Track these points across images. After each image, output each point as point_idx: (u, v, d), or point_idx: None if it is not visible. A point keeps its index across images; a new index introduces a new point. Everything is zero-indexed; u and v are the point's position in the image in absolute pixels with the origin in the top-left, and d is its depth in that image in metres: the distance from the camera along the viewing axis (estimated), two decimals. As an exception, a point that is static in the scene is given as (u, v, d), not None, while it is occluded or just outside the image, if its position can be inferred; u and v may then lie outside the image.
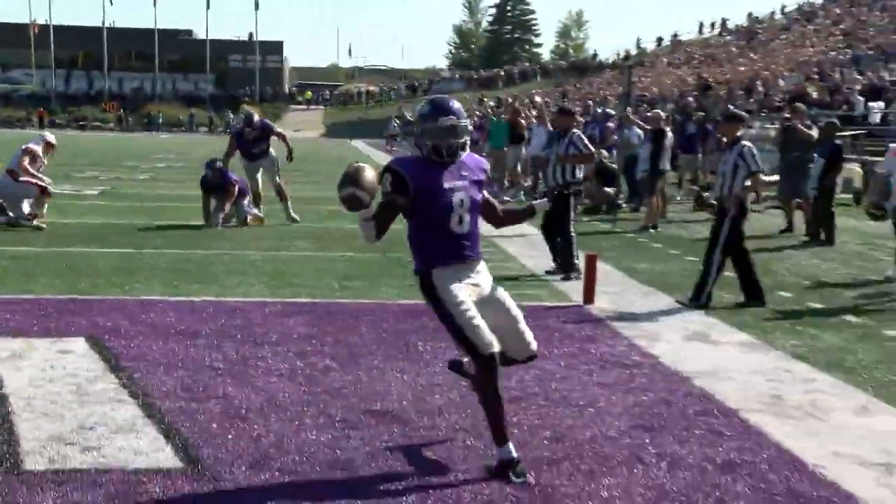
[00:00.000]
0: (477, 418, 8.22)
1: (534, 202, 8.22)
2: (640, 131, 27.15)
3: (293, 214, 22.97)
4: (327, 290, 14.46)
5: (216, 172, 22.11)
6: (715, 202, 14.34)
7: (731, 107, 27.69)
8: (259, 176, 23.09)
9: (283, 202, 23.07)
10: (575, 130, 16.86)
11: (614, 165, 29.19)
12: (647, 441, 8.06)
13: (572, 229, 16.02)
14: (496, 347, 7.16)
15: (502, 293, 7.66)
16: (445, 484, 7.04)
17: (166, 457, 7.43)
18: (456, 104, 7.53)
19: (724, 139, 14.47)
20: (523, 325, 7.56)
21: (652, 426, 8.45)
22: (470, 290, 7.37)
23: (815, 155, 21.69)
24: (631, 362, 10.68)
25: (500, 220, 8.04)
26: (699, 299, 13.80)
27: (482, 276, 7.59)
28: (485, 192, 7.54)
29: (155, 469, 7.14)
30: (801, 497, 6.96)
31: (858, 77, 45.70)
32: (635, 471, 7.38)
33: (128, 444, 7.63)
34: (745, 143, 13.63)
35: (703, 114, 34.97)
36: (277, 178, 23.07)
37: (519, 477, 7.02)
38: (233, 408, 8.63)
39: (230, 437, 7.88)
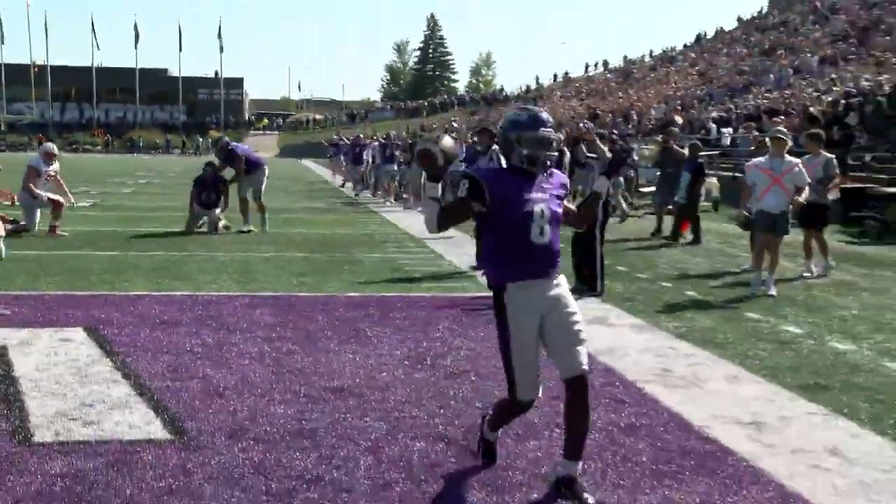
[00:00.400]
0: (420, 392, 8.06)
1: (594, 187, 7.21)
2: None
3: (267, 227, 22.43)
4: (287, 286, 14.24)
5: (211, 170, 22.16)
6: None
7: (616, 131, 27.81)
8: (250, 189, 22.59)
9: (262, 214, 22.45)
10: (495, 147, 16.29)
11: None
12: (563, 408, 7.83)
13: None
14: (535, 395, 6.29)
15: (572, 308, 6.21)
16: (396, 446, 6.87)
17: (156, 429, 7.23)
18: (550, 118, 6.39)
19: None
20: (580, 347, 6.13)
21: (566, 396, 8.21)
22: (538, 308, 6.09)
23: (682, 170, 21.98)
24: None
25: (580, 218, 6.71)
26: (596, 289, 13.68)
27: (560, 288, 6.22)
28: (565, 202, 6.32)
29: (147, 440, 6.95)
30: (691, 453, 6.88)
31: (711, 108, 47.90)
32: (554, 434, 7.22)
33: (123, 419, 7.43)
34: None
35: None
36: (262, 194, 22.69)
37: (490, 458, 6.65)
38: (211, 386, 8.42)
39: (210, 411, 7.68)
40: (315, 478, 6.23)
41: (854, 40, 52.97)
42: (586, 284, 13.84)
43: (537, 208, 5.98)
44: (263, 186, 22.69)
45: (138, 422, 7.37)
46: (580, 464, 6.07)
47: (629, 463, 6.67)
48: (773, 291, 13.83)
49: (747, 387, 8.82)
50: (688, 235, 21.87)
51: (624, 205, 27.33)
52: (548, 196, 6.10)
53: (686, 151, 22.91)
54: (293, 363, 9.32)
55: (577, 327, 6.13)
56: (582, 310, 11.15)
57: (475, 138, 20.84)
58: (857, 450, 7.02)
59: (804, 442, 7.16)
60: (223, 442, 6.93)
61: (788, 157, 14.11)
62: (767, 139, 15.57)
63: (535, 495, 6.05)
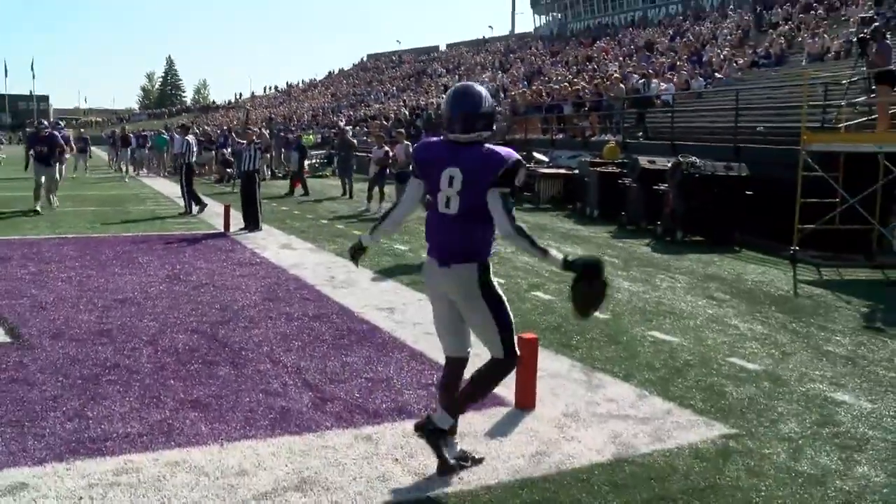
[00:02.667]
0: (178, 300, 7.13)
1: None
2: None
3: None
4: (84, 230, 12.51)
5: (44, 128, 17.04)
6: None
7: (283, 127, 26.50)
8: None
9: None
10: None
11: (231, 158, 27.52)
12: (272, 306, 7.27)
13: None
14: None
15: None
16: (167, 339, 6.03)
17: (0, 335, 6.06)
18: None
19: None
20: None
21: (274, 297, 7.64)
22: None
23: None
24: (254, 262, 9.76)
25: None
26: (258, 226, 12.72)
27: None
28: None
29: (-10, 345, 5.79)
30: (354, 331, 6.44)
31: (341, 115, 45.59)
32: (269, 323, 6.60)
33: (-30, 330, 6.20)
34: None
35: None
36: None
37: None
38: (37, 302, 7.19)
39: (38, 320, 6.53)
40: (113, 364, 5.37)
41: (413, 78, 53.82)
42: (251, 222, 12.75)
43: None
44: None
45: (-18, 331, 6.18)
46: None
47: (318, 340, 6.16)
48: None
49: (382, 284, 8.44)
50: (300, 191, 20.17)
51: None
52: None
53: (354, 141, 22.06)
54: (91, 283, 8.13)
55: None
56: (274, 238, 10.45)
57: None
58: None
59: (419, 318, 6.86)
60: (48, 342, 5.88)
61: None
62: None
63: (262, 367, 5.43)
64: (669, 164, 12.73)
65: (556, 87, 27.03)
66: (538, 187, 17.83)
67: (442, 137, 3.76)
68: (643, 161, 13.81)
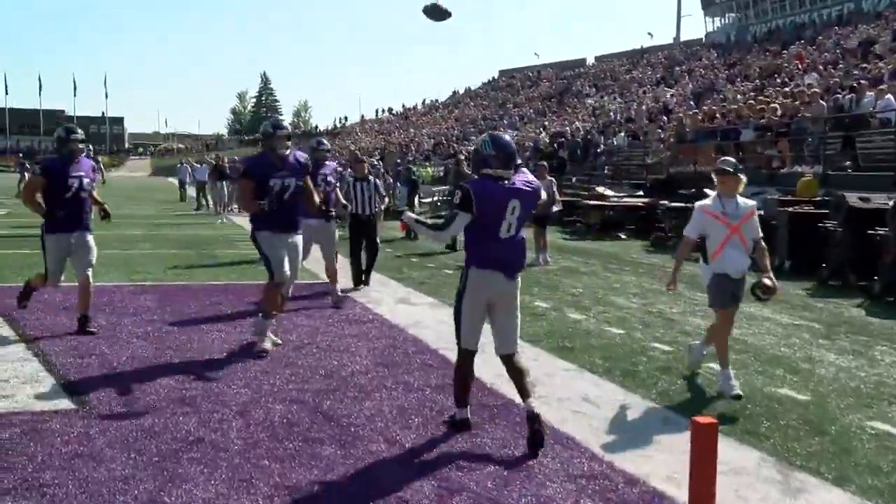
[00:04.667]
0: (274, 362, 7.26)
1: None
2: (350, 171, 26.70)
3: None
4: (165, 277, 13.04)
5: None
6: None
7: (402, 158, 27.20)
8: None
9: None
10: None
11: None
12: (388, 373, 7.30)
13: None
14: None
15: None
16: (260, 409, 6.11)
17: (62, 401, 6.29)
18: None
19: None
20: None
21: (389, 362, 7.68)
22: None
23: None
24: (366, 319, 9.87)
25: None
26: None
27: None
28: None
29: (54, 410, 6.02)
30: (486, 406, 6.39)
31: (466, 142, 46.90)
32: (383, 394, 6.61)
33: (33, 392, 6.49)
34: None
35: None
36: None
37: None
38: (107, 363, 7.46)
39: (108, 384, 6.74)
40: (196, 439, 5.46)
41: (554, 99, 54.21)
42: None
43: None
44: None
45: (47, 394, 6.44)
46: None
47: (442, 416, 6.09)
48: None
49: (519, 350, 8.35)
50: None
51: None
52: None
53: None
54: (172, 341, 8.40)
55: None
56: (390, 292, 10.57)
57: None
58: (600, 396, 6.72)
59: (565, 392, 6.78)
60: (119, 410, 6.06)
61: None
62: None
63: (375, 447, 5.41)
64: (891, 203, 12.15)
65: (734, 106, 26.46)
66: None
67: (480, 175, 5.53)
68: (852, 198, 13.30)
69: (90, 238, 8.80)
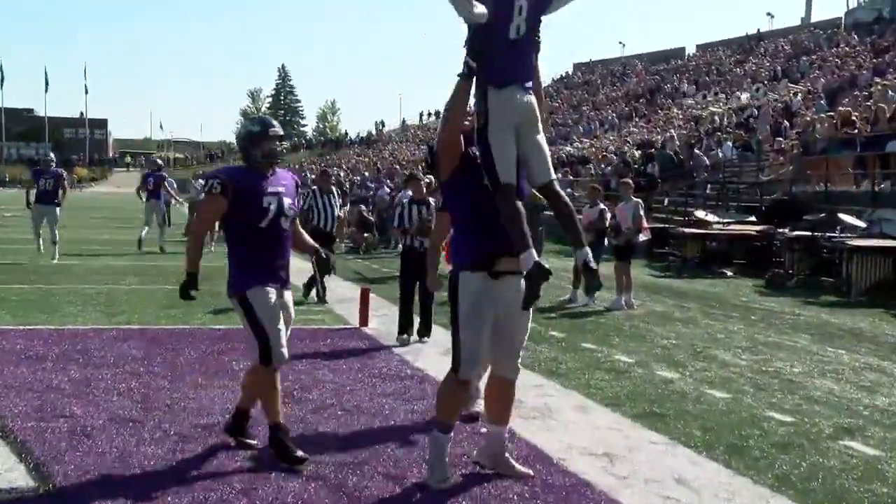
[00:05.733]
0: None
1: None
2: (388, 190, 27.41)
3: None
4: (154, 319, 13.17)
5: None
6: None
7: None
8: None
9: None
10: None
11: (372, 217, 29.78)
12: (427, 443, 7.23)
13: None
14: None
15: None
16: (269, 486, 6.12)
17: (19, 476, 6.28)
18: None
19: None
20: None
21: (430, 430, 7.60)
22: None
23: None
24: (404, 374, 9.92)
25: None
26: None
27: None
28: None
29: (7, 489, 6.01)
30: (552, 487, 6.34)
31: None
32: (423, 472, 6.57)
33: (-16, 464, 6.55)
34: None
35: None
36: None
37: None
38: (79, 426, 7.49)
39: (78, 454, 6.77)
40: (192, 525, 5.49)
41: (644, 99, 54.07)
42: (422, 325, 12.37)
43: None
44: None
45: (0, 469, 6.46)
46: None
47: (496, 498, 6.09)
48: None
49: (594, 416, 8.37)
50: None
51: None
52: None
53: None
54: (162, 399, 8.45)
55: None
56: (436, 342, 10.64)
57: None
58: (698, 478, 6.66)
59: (653, 472, 6.74)
60: (91, 489, 6.06)
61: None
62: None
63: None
64: None
65: (882, 106, 26.07)
66: (848, 269, 17.24)
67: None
68: None
69: (290, 297, 7.15)
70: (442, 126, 6.46)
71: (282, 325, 6.77)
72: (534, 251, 5.78)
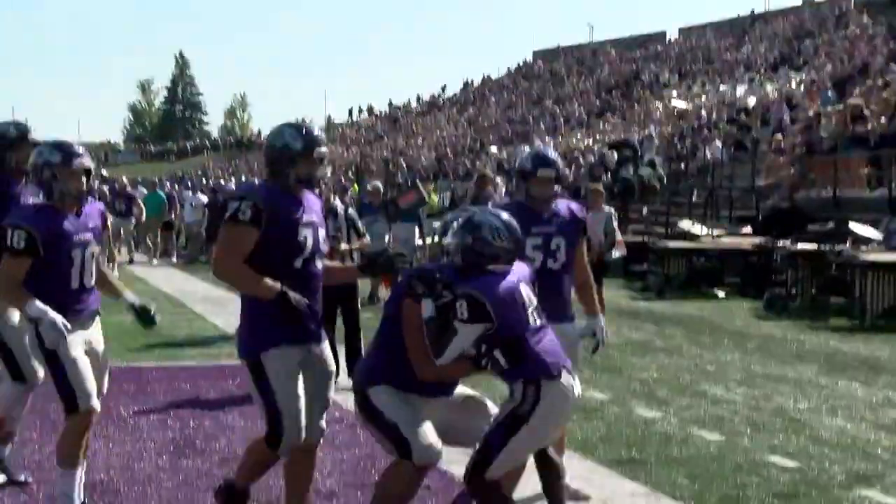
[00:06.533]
0: (192, 485, 7.18)
1: None
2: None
3: None
4: (130, 354, 13.13)
5: None
6: None
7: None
8: None
9: None
10: None
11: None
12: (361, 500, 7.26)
13: None
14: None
15: None
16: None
17: None
18: None
19: None
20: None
21: (362, 483, 7.64)
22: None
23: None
24: (329, 417, 9.69)
25: None
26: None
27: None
28: None
29: None
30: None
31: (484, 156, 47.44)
32: None
33: None
34: None
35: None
36: None
37: None
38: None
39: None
40: None
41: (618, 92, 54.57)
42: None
43: None
44: None
45: None
46: None
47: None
48: None
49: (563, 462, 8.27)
50: None
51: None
52: None
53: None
54: (30, 454, 8.31)
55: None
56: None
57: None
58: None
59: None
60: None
61: None
62: None
63: None
64: None
65: (897, 97, 26.33)
66: (861, 288, 17.36)
67: None
68: None
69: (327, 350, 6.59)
70: None
71: (302, 402, 6.12)
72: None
